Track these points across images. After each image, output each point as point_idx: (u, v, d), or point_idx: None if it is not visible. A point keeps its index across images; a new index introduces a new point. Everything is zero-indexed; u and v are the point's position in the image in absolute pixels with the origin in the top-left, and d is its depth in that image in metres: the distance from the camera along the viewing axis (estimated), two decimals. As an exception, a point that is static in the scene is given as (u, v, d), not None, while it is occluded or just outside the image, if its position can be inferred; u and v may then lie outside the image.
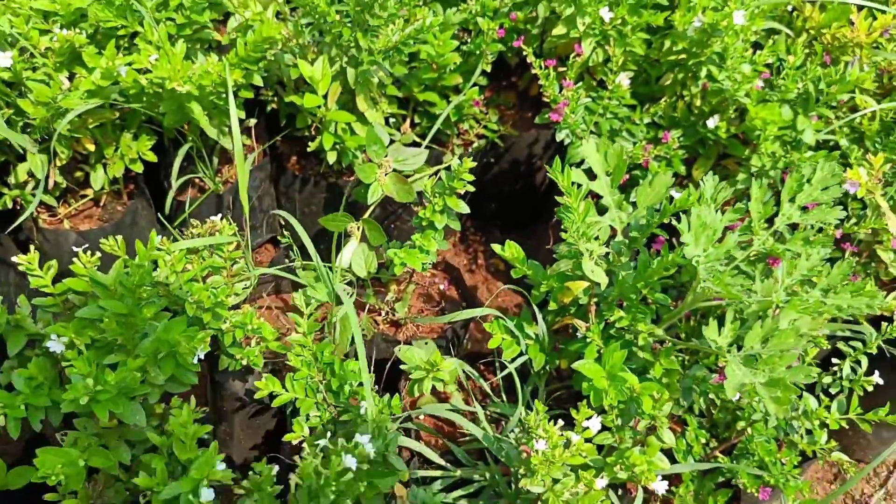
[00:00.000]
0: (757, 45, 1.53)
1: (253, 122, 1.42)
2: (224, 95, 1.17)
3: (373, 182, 1.24)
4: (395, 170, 1.26)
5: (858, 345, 1.07)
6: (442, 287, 1.35)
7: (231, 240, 1.07)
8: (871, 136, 1.45)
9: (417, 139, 1.42)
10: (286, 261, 1.28)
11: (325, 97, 1.24)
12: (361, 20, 1.17)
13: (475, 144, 1.51)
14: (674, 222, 1.01)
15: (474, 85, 1.44)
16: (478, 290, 1.63)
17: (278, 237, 1.39)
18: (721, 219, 1.00)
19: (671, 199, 1.10)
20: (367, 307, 1.28)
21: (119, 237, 0.99)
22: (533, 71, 1.27)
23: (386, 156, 1.27)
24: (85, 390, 0.85)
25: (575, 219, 1.02)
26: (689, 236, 0.98)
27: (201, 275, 1.05)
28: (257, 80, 1.23)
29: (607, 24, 1.28)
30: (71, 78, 1.18)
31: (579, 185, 1.08)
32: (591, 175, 1.16)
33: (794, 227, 1.18)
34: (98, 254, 0.99)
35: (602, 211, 1.14)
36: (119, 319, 0.92)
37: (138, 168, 1.25)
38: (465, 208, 1.16)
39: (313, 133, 1.32)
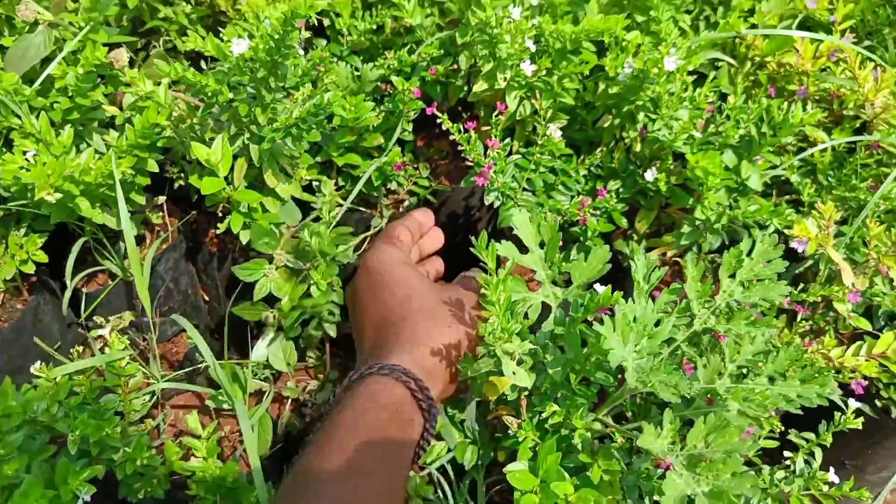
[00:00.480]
0: (700, 75, 1.45)
1: (162, 199, 1.32)
2: (111, 187, 1.07)
3: (259, 279, 1.15)
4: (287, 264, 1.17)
5: (811, 436, 0.99)
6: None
7: (121, 355, 0.98)
8: (823, 170, 1.37)
9: (342, 202, 1.32)
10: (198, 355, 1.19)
11: (228, 178, 1.15)
12: (259, 94, 1.07)
13: (406, 203, 1.41)
14: (596, 326, 0.90)
15: (399, 143, 1.35)
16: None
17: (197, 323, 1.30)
18: (654, 308, 0.91)
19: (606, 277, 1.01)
20: (289, 401, 1.18)
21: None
22: (452, 137, 1.17)
23: (280, 248, 1.19)
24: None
25: (495, 314, 0.93)
26: (615, 339, 0.88)
27: (91, 396, 0.96)
28: (152, 167, 1.13)
29: (531, 77, 1.19)
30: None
31: (500, 265, 0.98)
32: (523, 246, 1.08)
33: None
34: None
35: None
36: (-15, 473, 0.83)
37: (30, 269, 1.15)
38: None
39: (222, 213, 1.23)
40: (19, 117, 1.08)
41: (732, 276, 0.96)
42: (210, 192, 1.09)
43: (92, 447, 0.91)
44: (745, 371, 0.96)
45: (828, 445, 0.99)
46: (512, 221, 1.06)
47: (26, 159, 1.03)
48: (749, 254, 0.96)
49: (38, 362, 0.93)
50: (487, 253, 0.97)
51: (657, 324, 0.92)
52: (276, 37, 1.00)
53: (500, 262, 0.99)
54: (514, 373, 0.91)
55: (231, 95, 1.07)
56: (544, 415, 0.97)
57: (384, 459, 0.85)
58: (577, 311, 0.94)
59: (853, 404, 0.97)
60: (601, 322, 0.87)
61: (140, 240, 1.34)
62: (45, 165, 0.98)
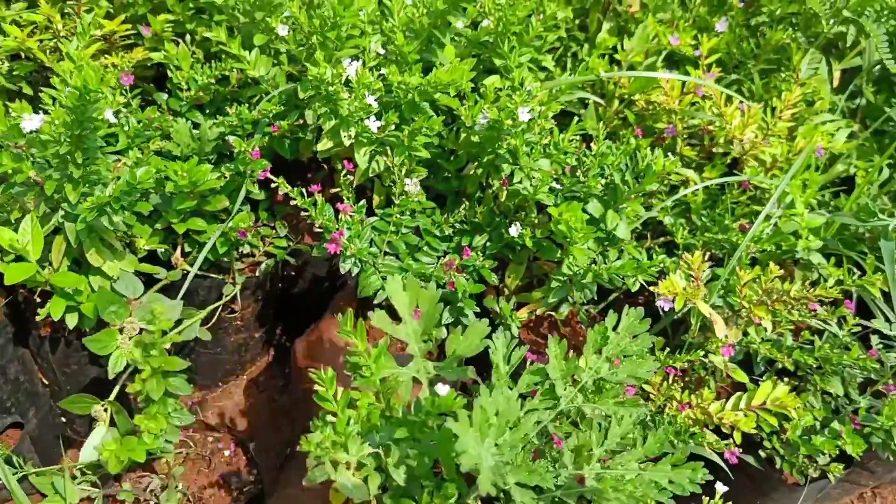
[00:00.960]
0: (567, 114, 1.39)
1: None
2: None
3: (113, 351, 1.03)
4: (143, 330, 1.06)
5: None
6: (228, 452, 1.15)
7: None
8: (696, 210, 1.33)
9: (190, 269, 1.21)
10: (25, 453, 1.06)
11: (46, 259, 1.02)
12: (66, 170, 0.96)
13: (263, 265, 1.31)
14: (449, 423, 0.80)
15: (252, 202, 1.25)
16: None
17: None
18: (516, 395, 0.83)
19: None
20: (127, 505, 1.06)
21: None
22: (294, 202, 1.08)
23: (130, 315, 1.07)
24: None
25: (327, 415, 0.83)
26: (471, 437, 0.78)
27: None
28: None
29: (379, 133, 1.10)
30: None
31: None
32: (394, 315, 0.99)
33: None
34: None
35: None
36: None
37: None
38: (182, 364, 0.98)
39: (40, 298, 1.10)
40: None
41: (598, 352, 0.89)
42: (17, 279, 0.96)
43: None
44: (615, 451, 0.89)
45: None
46: (387, 290, 0.97)
47: None
48: (615, 328, 0.89)
49: None
50: (356, 334, 0.88)
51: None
52: (78, 109, 0.89)
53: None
54: (352, 487, 0.81)
55: (34, 173, 0.95)
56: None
57: None
58: (419, 410, 0.84)
59: (720, 488, 0.90)
60: (455, 418, 0.78)
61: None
62: None
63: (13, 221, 1.02)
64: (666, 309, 1.05)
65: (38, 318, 1.09)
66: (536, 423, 0.88)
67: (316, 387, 0.84)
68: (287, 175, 1.37)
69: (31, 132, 0.89)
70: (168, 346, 1.06)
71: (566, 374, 0.89)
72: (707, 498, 0.89)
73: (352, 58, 1.06)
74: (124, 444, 0.93)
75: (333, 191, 1.27)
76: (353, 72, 1.01)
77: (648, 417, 1.06)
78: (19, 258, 0.99)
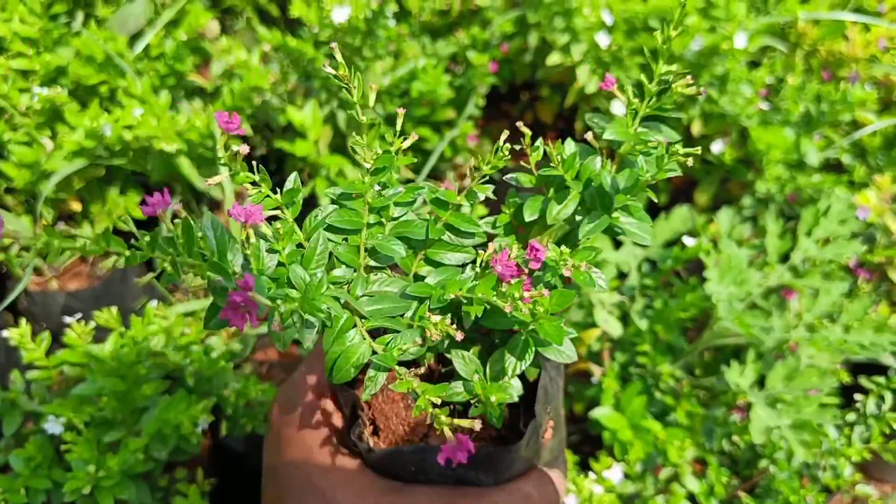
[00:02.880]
0: (752, 64, 1.51)
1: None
2: (211, 147, 1.13)
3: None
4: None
5: (881, 380, 1.04)
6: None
7: (229, 300, 1.03)
8: (873, 152, 1.43)
9: (412, 175, 1.38)
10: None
11: (316, 142, 1.20)
12: (352, 62, 1.13)
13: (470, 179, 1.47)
14: (701, 256, 0.98)
15: (469, 118, 1.41)
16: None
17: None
18: (745, 256, 0.97)
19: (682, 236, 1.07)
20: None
21: (113, 308, 0.94)
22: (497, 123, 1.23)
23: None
24: (87, 478, 0.81)
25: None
26: (714, 272, 0.95)
27: (199, 338, 1.01)
28: (247, 130, 1.19)
29: (603, 52, 1.25)
30: (53, 136, 1.14)
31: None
32: None
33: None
34: (92, 323, 0.95)
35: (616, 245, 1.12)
36: (118, 396, 0.88)
37: (127, 227, 1.20)
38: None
39: (306, 178, 1.28)
40: (124, 77, 1.13)
41: (809, 234, 1.02)
42: (302, 154, 1.14)
43: (204, 382, 0.97)
44: (815, 325, 1.02)
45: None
46: None
47: (134, 117, 1.09)
48: (825, 214, 1.01)
49: (155, 301, 0.98)
50: None
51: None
52: (375, 6, 1.06)
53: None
54: (605, 321, 0.96)
55: (326, 62, 1.13)
56: (638, 348, 1.03)
57: None
58: (664, 263, 1.00)
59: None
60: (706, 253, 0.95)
61: (217, 206, 1.40)
62: (158, 123, 1.04)
63: (298, 105, 1.21)
64: (861, 217, 1.17)
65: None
66: (749, 293, 1.02)
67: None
68: (487, 105, 1.54)
69: (339, 23, 1.07)
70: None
71: (781, 249, 1.02)
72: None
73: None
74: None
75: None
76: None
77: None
78: (301, 136, 1.18)
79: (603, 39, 1.22)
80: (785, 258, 1.04)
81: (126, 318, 1.03)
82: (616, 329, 0.99)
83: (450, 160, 1.43)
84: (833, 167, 1.45)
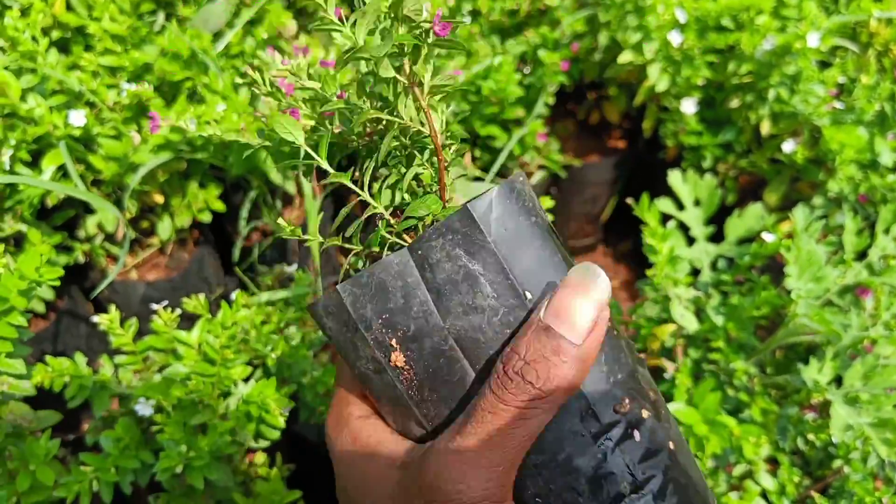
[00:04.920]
0: (822, 64, 1.50)
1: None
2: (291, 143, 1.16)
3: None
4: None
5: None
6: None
7: (307, 290, 1.06)
8: (948, 151, 1.41)
9: (481, 174, 1.40)
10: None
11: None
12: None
13: (537, 176, 1.49)
14: (781, 252, 0.98)
15: (537, 117, 1.43)
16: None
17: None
18: (823, 253, 0.97)
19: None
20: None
21: (201, 296, 0.97)
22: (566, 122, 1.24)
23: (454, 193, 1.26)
24: (179, 457, 0.84)
25: (661, 262, 1.00)
26: (794, 268, 0.95)
27: (279, 327, 1.04)
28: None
29: (675, 50, 1.26)
30: (139, 131, 1.18)
31: (665, 222, 1.05)
32: (678, 207, 1.15)
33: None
34: (178, 311, 0.98)
35: (689, 242, 1.12)
36: (206, 380, 0.91)
37: (207, 218, 1.24)
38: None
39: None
40: (208, 74, 1.17)
41: (887, 231, 1.01)
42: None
43: (285, 369, 0.99)
44: (892, 323, 1.01)
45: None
46: (670, 182, 1.13)
47: (217, 112, 1.12)
48: None
49: (238, 289, 1.01)
50: (649, 213, 1.04)
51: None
52: (451, 3, 1.08)
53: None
54: (681, 316, 0.97)
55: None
56: (712, 345, 1.03)
57: None
58: (742, 260, 1.00)
59: None
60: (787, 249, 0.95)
61: (290, 201, 1.43)
62: (240, 117, 1.07)
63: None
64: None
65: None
66: (826, 290, 1.02)
67: (648, 238, 0.99)
68: (554, 104, 1.55)
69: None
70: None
71: (858, 247, 1.01)
72: None
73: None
74: None
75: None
76: (671, -11, 1.16)
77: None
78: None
79: (675, 38, 1.22)
80: (862, 256, 1.03)
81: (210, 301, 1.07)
82: (692, 323, 1.00)
83: (517, 158, 1.45)
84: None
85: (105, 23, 1.14)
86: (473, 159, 1.46)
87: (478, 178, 1.39)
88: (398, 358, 0.47)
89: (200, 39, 1.14)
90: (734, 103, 1.38)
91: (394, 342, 0.46)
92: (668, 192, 1.48)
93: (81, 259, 1.23)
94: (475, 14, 1.47)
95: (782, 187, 1.34)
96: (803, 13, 1.25)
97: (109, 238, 1.26)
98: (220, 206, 1.24)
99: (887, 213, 1.01)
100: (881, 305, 0.99)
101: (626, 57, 1.27)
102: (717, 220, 1.18)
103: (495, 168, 1.35)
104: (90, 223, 1.21)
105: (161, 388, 0.92)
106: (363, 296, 0.46)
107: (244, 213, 1.27)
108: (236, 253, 1.30)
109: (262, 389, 0.88)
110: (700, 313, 1.04)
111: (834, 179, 1.26)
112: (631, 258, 1.68)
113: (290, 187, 1.32)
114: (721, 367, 1.06)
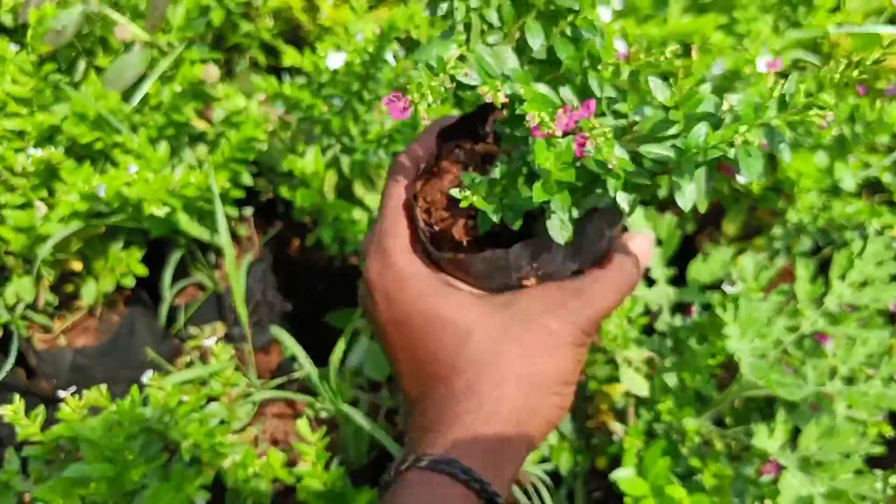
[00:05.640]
0: (783, 76, 1.43)
1: (250, 211, 1.34)
2: (211, 200, 1.09)
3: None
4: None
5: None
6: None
7: (227, 365, 0.99)
8: (915, 168, 1.34)
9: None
10: (294, 365, 1.20)
11: (320, 189, 1.16)
12: (352, 107, 1.08)
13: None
14: (718, 311, 0.91)
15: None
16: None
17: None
18: (768, 308, 0.90)
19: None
20: (384, 411, 1.19)
21: (103, 387, 0.91)
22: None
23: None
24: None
25: (614, 318, 0.93)
26: (734, 328, 0.88)
27: (199, 405, 0.97)
28: (247, 180, 1.15)
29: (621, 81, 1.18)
30: (52, 195, 1.11)
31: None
32: None
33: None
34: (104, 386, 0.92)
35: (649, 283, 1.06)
36: (108, 481, 0.85)
37: (130, 282, 1.17)
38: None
39: (311, 224, 1.24)
40: (120, 133, 1.10)
41: (842, 277, 0.94)
42: (304, 204, 1.10)
43: (203, 454, 0.93)
44: (852, 376, 0.94)
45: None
46: (629, 220, 1.06)
47: (129, 175, 1.05)
48: (860, 255, 0.94)
49: (150, 371, 0.94)
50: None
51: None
52: (371, 50, 1.01)
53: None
54: (631, 380, 0.90)
55: (325, 108, 1.08)
56: (660, 408, 0.97)
57: None
58: (700, 311, 0.94)
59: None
60: (723, 309, 0.88)
61: (228, 252, 1.37)
62: (150, 181, 1.00)
63: (299, 152, 1.16)
64: (901, 251, 1.09)
65: (307, 244, 1.24)
66: (778, 343, 0.95)
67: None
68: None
69: (333, 69, 1.02)
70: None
71: (812, 295, 0.94)
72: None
73: (602, 4, 1.14)
74: None
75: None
76: (607, 17, 1.09)
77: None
78: (302, 186, 1.13)
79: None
80: (820, 301, 0.96)
81: (136, 372, 1.00)
82: (642, 389, 0.93)
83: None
84: (874, 185, 1.36)
85: (7, 85, 1.07)
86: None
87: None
88: None
89: (107, 99, 1.07)
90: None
91: None
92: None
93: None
94: (415, 44, 1.40)
95: (741, 216, 1.27)
96: (754, 33, 1.18)
97: (32, 306, 1.20)
98: (142, 271, 1.17)
99: (842, 258, 0.94)
100: (839, 358, 0.92)
101: (567, 89, 1.20)
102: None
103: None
104: (8, 293, 1.15)
105: (62, 489, 0.86)
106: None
107: (167, 276, 1.20)
108: (162, 318, 1.23)
109: (167, 490, 0.82)
110: (652, 376, 0.97)
111: (793, 209, 1.19)
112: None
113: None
114: (674, 427, 0.99)
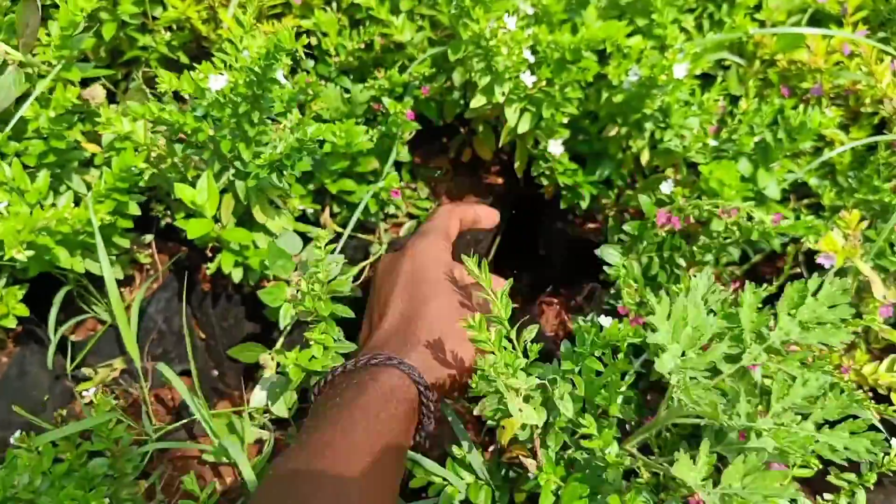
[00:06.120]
0: (706, 77, 1.38)
1: (150, 238, 1.26)
2: (92, 232, 1.01)
3: (282, 304, 1.08)
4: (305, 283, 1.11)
5: (853, 476, 0.92)
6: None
7: (107, 417, 0.91)
8: (843, 171, 1.30)
9: (340, 229, 1.26)
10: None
11: (216, 216, 1.08)
12: (241, 129, 1.01)
13: (406, 225, 1.35)
14: (648, 319, 0.84)
15: (395, 164, 1.29)
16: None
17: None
18: (710, 323, 0.84)
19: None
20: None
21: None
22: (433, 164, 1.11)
23: (296, 268, 1.12)
24: None
25: (493, 347, 0.86)
26: (664, 331, 0.82)
27: (78, 463, 0.89)
28: (133, 209, 1.07)
29: (531, 89, 1.12)
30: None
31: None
32: None
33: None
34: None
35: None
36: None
37: (11, 324, 1.08)
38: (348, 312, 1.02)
39: (211, 253, 1.16)
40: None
41: (791, 314, 0.88)
42: (197, 235, 1.02)
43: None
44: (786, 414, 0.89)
45: (871, 487, 0.91)
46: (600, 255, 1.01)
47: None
48: (815, 294, 0.88)
49: (19, 431, 0.86)
50: (481, 272, 0.91)
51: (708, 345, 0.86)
52: (258, 70, 0.93)
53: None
54: (520, 411, 0.84)
55: (212, 132, 1.00)
56: (581, 433, 0.91)
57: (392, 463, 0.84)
58: (583, 343, 0.87)
59: (896, 444, 0.89)
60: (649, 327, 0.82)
61: (129, 281, 1.28)
62: (16, 219, 0.92)
63: (189, 179, 1.08)
64: (827, 266, 1.04)
65: (207, 272, 1.16)
66: (717, 372, 0.89)
67: (469, 332, 0.86)
68: (423, 139, 1.41)
69: (214, 91, 0.94)
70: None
71: (756, 326, 0.88)
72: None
73: (507, 12, 1.07)
74: (301, 356, 0.98)
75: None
76: (512, 25, 1.03)
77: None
78: (196, 214, 1.05)
79: (528, 79, 1.09)
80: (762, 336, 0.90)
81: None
82: (534, 418, 0.86)
83: (381, 211, 1.31)
84: (803, 186, 1.32)
85: None
86: (333, 215, 1.32)
87: (338, 235, 1.25)
88: None
89: (-32, 129, 0.98)
90: (611, 132, 1.25)
91: None
92: (551, 231, 1.36)
93: None
94: (325, 53, 1.32)
95: (666, 228, 1.22)
96: (669, 39, 1.13)
97: None
98: (22, 311, 1.08)
99: (793, 291, 0.88)
100: (775, 395, 0.86)
101: (479, 101, 1.13)
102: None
103: (350, 225, 1.21)
104: None
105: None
106: None
107: (52, 314, 1.12)
108: (50, 359, 1.14)
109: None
110: (548, 402, 0.91)
111: (717, 219, 1.14)
112: (521, 293, 1.55)
113: (117, 272, 1.17)
114: (595, 456, 0.93)
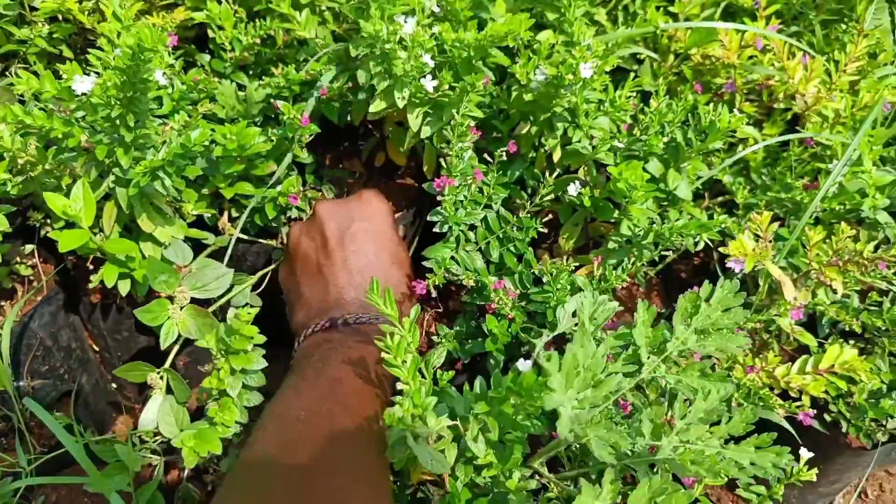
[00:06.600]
0: (620, 70, 1.34)
1: (31, 248, 1.17)
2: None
3: (164, 322, 1.01)
4: (194, 300, 1.04)
5: (762, 489, 0.90)
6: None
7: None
8: (756, 168, 1.28)
9: (240, 235, 1.19)
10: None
11: (97, 225, 1.00)
12: (118, 134, 0.93)
13: (312, 230, 1.28)
14: (542, 362, 0.80)
15: (299, 166, 1.23)
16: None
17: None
18: (602, 356, 0.80)
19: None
20: (185, 472, 1.05)
21: None
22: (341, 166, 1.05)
23: (181, 284, 1.05)
24: None
25: (405, 384, 0.81)
26: (557, 380, 0.77)
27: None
28: (1, 224, 0.98)
29: (434, 94, 1.07)
30: None
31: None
32: None
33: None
34: None
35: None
36: None
37: None
38: (260, 364, 0.95)
39: (93, 265, 1.08)
40: None
41: (686, 323, 0.85)
42: (71, 247, 0.94)
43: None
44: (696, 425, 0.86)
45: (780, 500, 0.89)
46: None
47: None
48: (707, 300, 0.85)
49: None
50: (385, 301, 0.85)
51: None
52: (131, 70, 0.86)
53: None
54: (431, 462, 0.79)
55: (85, 137, 0.92)
56: (479, 462, 0.86)
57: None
58: (499, 386, 0.82)
59: (805, 454, 0.87)
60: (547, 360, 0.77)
61: (10, 294, 1.19)
62: None
63: (64, 188, 1.00)
64: (737, 270, 1.02)
65: (90, 286, 1.08)
66: (615, 392, 0.85)
67: (383, 354, 0.81)
68: (333, 140, 1.35)
69: (81, 94, 0.86)
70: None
71: (653, 341, 0.85)
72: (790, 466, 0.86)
73: (406, 14, 1.01)
74: (202, 437, 0.91)
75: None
76: (409, 28, 0.97)
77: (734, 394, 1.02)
78: (72, 225, 0.97)
79: (429, 83, 1.03)
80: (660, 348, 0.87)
81: None
82: (444, 467, 0.82)
83: (282, 216, 1.24)
84: (717, 183, 1.30)
85: None
86: (231, 219, 1.24)
87: (239, 240, 1.18)
88: None
89: None
90: (523, 130, 1.21)
91: None
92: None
93: None
94: (220, 48, 1.24)
95: (577, 229, 1.18)
96: (576, 36, 1.08)
97: None
98: None
99: (686, 301, 0.85)
100: (677, 412, 0.83)
101: (378, 105, 1.07)
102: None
103: (240, 225, 1.15)
104: None
105: None
106: None
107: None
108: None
109: None
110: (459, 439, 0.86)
111: (626, 222, 1.11)
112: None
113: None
114: (498, 484, 0.89)
